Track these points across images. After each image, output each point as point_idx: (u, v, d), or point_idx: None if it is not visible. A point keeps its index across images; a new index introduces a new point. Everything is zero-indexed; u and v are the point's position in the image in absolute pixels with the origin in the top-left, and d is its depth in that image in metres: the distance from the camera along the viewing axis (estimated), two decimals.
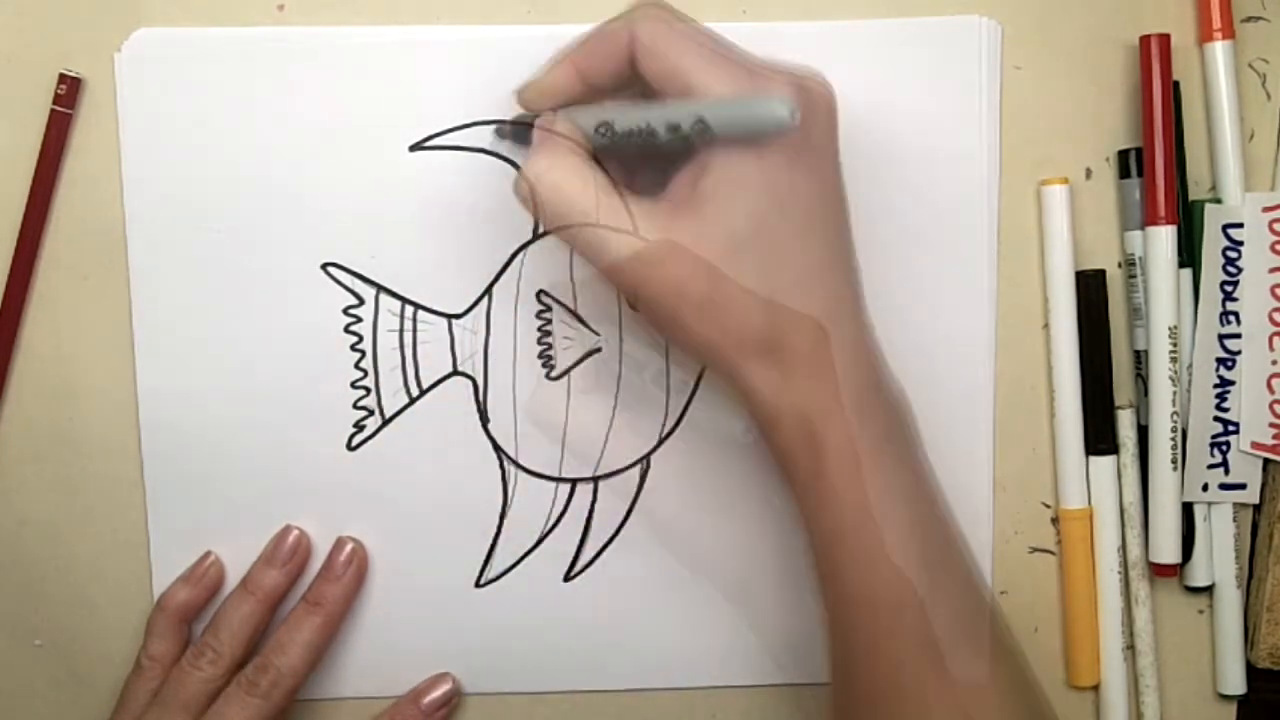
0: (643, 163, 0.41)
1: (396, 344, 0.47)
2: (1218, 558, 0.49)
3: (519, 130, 0.44)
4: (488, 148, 0.46)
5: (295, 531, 0.47)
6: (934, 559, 0.40)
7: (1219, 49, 0.47)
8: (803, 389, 0.39)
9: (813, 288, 0.39)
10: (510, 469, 0.48)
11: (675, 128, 0.37)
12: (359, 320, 0.47)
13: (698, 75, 0.38)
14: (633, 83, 0.40)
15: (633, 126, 0.39)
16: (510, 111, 0.45)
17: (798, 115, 0.35)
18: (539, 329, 0.47)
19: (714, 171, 0.38)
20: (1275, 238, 0.47)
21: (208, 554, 0.48)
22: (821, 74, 0.40)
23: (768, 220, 0.38)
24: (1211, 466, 0.48)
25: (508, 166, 0.46)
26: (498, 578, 0.48)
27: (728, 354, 0.40)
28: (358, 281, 0.47)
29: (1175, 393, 0.47)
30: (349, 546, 0.47)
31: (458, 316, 0.47)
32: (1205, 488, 0.48)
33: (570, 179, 0.39)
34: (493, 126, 0.45)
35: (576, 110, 0.41)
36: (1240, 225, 0.47)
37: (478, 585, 0.48)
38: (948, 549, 0.41)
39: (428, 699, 0.48)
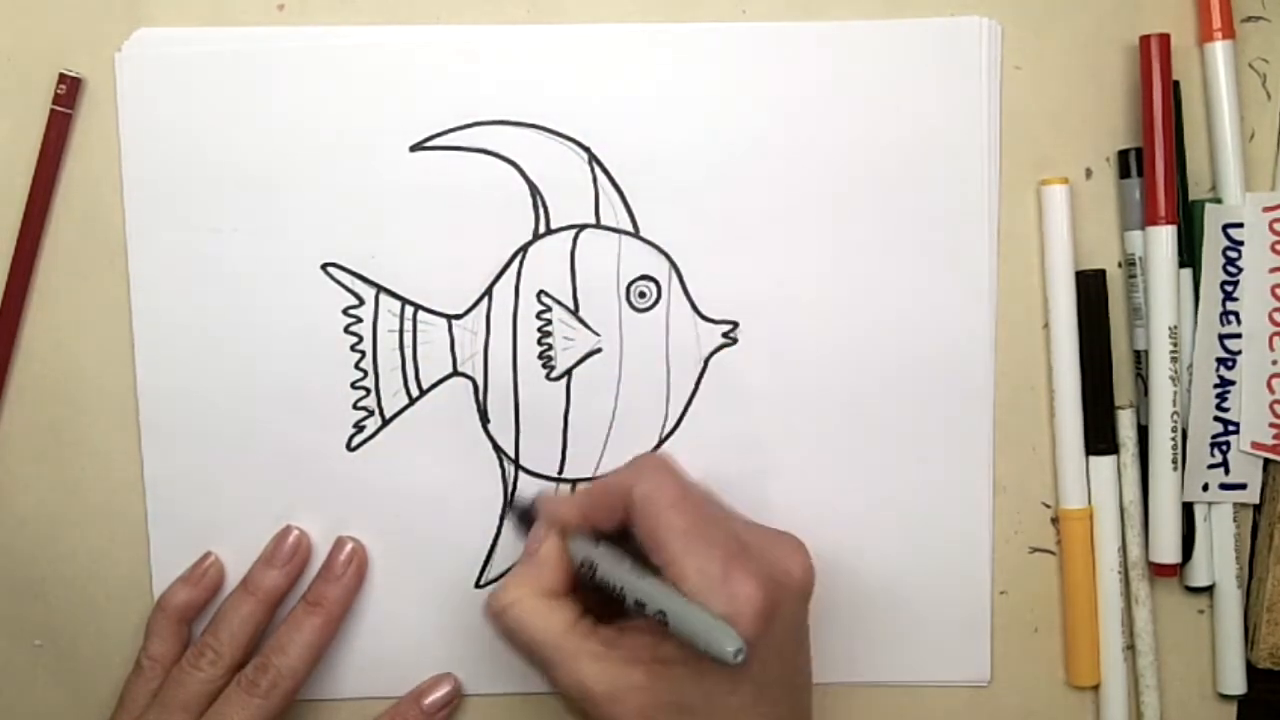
0: None
1: (396, 344, 0.47)
2: (1218, 558, 0.49)
3: (525, 515, 0.46)
4: (488, 148, 0.46)
5: (295, 531, 0.47)
6: None
7: (1219, 49, 0.47)
8: None
9: None
10: (510, 469, 0.48)
11: (641, 606, 0.39)
12: (359, 320, 0.47)
13: (674, 558, 0.40)
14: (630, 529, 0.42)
15: (609, 581, 0.41)
16: (511, 114, 0.46)
17: (742, 656, 0.36)
18: (539, 329, 0.47)
19: (675, 646, 0.39)
20: (1275, 238, 0.47)
21: (208, 554, 0.48)
22: (803, 548, 0.42)
23: (717, 697, 0.39)
24: (1211, 466, 0.48)
25: (508, 167, 0.46)
26: (498, 578, 0.48)
27: None
28: (358, 282, 0.47)
29: (1175, 393, 0.47)
30: (349, 546, 0.47)
31: (458, 317, 0.47)
32: (1205, 488, 0.48)
33: (532, 617, 0.41)
34: (511, 505, 0.47)
35: (575, 538, 0.43)
36: (1240, 225, 0.47)
37: (478, 585, 0.48)
38: None
39: (429, 699, 0.48)
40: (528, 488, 0.47)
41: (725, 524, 0.42)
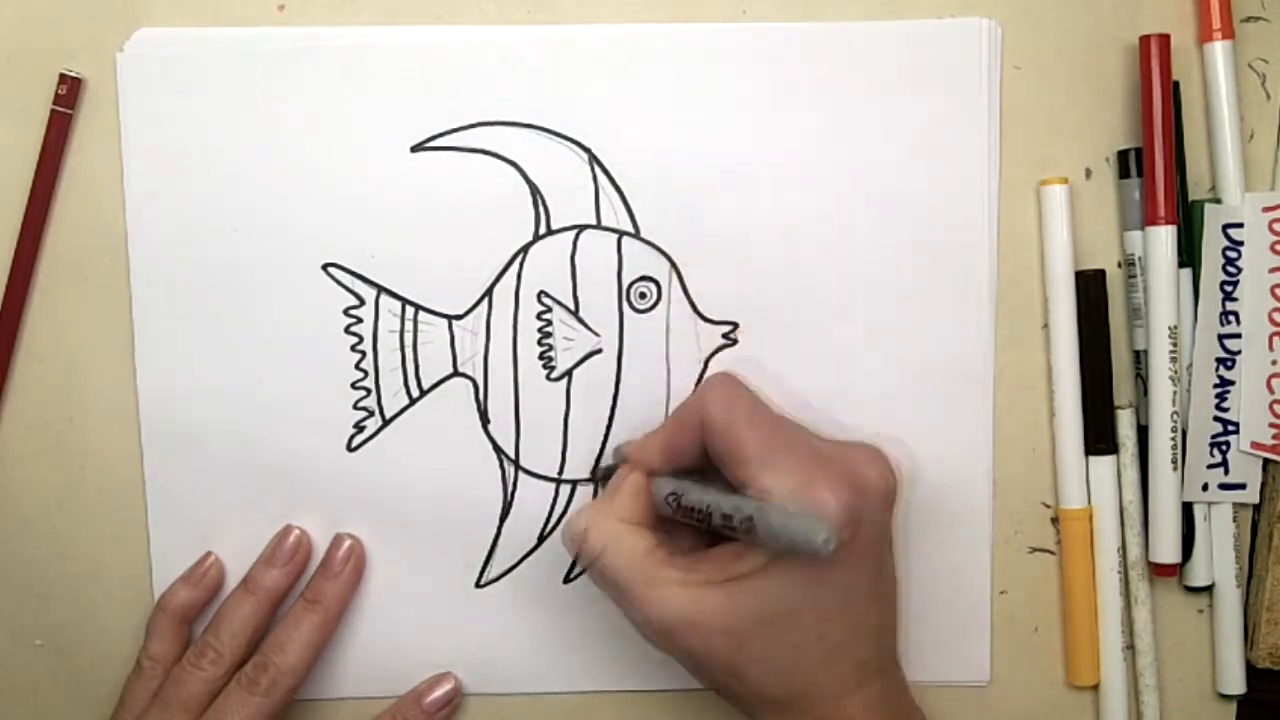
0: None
1: (397, 345, 0.47)
2: (1217, 558, 0.49)
3: (608, 474, 0.46)
4: (488, 149, 0.46)
5: (296, 531, 0.47)
6: None
7: (1219, 49, 0.47)
8: None
9: (839, 662, 0.40)
10: (510, 470, 0.48)
11: (728, 518, 0.39)
12: (359, 321, 0.47)
13: (755, 471, 0.40)
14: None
15: (695, 504, 0.41)
16: (512, 114, 0.46)
17: (833, 545, 0.36)
18: (539, 330, 0.47)
19: (755, 558, 0.39)
20: (1275, 238, 0.47)
21: (208, 554, 0.48)
22: (887, 456, 0.42)
23: (802, 606, 0.39)
24: (1211, 466, 0.48)
25: (508, 167, 0.46)
26: (498, 578, 0.48)
27: (746, 707, 0.42)
28: (358, 282, 0.47)
29: (1175, 393, 0.47)
30: (347, 543, 0.47)
31: (458, 317, 0.47)
32: (1205, 488, 0.48)
33: (610, 540, 0.42)
34: (595, 472, 0.47)
35: (659, 479, 0.44)
36: (1240, 225, 0.47)
37: (478, 585, 0.48)
38: None
39: (430, 698, 0.48)
40: (608, 456, 0.47)
41: (801, 435, 0.42)
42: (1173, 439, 0.47)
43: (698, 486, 0.42)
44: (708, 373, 0.47)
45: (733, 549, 0.40)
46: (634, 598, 0.41)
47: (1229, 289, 0.47)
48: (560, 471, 0.48)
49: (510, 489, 0.48)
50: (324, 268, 0.47)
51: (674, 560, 0.41)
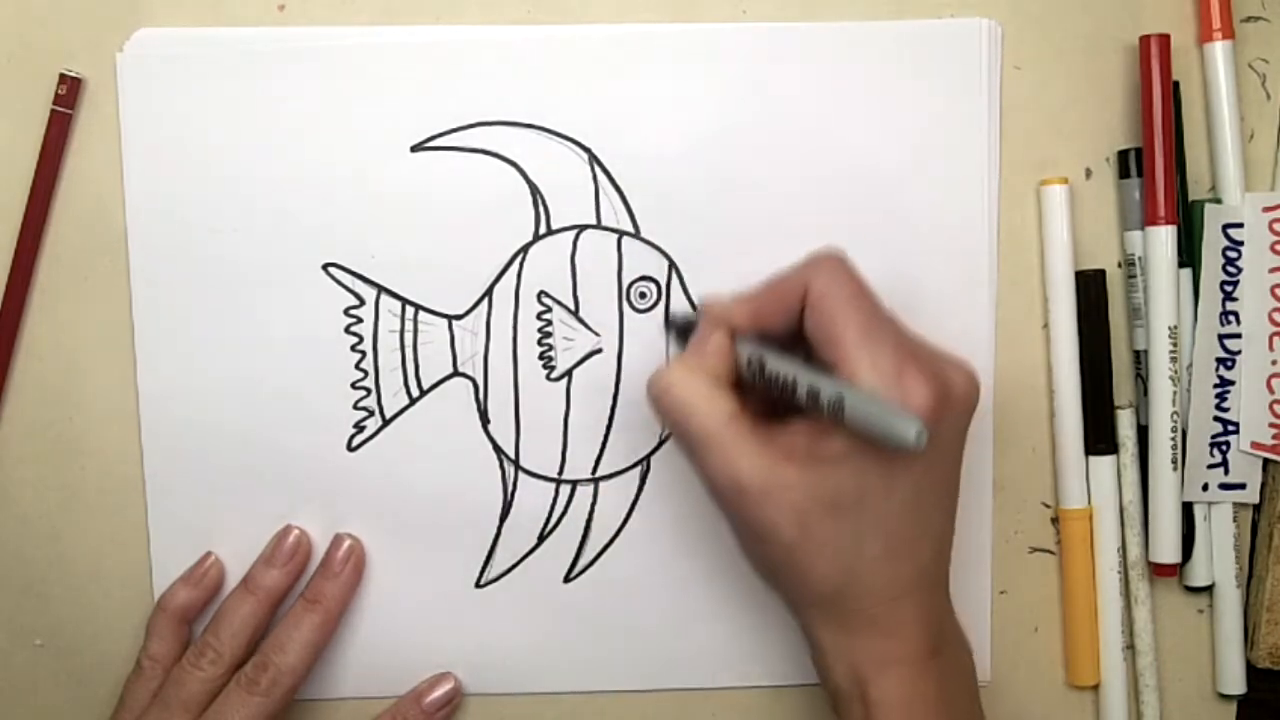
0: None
1: (397, 344, 0.47)
2: (1218, 557, 0.49)
3: (686, 327, 0.45)
4: (488, 149, 0.46)
5: (296, 531, 0.47)
6: None
7: (1219, 49, 0.47)
8: (860, 646, 0.40)
9: (899, 561, 0.40)
10: (510, 470, 0.48)
11: (815, 395, 0.39)
12: (360, 321, 0.47)
13: (849, 353, 0.39)
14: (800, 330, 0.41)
15: (779, 374, 0.40)
16: (512, 114, 0.46)
17: (923, 440, 0.36)
18: (539, 330, 0.47)
19: (836, 442, 0.39)
20: (1275, 238, 0.47)
21: (208, 554, 0.48)
22: (971, 367, 0.41)
23: (872, 497, 0.39)
24: (1211, 466, 0.48)
25: (509, 167, 0.46)
26: (498, 578, 0.48)
27: (796, 596, 0.41)
28: (358, 282, 0.47)
29: (1175, 393, 0.47)
30: (346, 543, 0.47)
31: (458, 317, 0.47)
32: (1205, 488, 0.48)
33: (696, 399, 0.40)
34: (668, 321, 0.47)
35: (741, 338, 0.42)
36: (1240, 225, 0.47)
37: (478, 586, 0.48)
38: None
39: (430, 698, 0.48)
40: (683, 307, 0.47)
41: (897, 328, 0.41)
42: (1173, 439, 0.47)
43: (782, 356, 0.41)
44: None
45: (814, 426, 0.40)
46: (713, 458, 0.40)
47: (1229, 289, 0.47)
48: (560, 471, 0.48)
49: (510, 489, 0.48)
50: (324, 268, 0.47)
51: (755, 428, 0.40)
